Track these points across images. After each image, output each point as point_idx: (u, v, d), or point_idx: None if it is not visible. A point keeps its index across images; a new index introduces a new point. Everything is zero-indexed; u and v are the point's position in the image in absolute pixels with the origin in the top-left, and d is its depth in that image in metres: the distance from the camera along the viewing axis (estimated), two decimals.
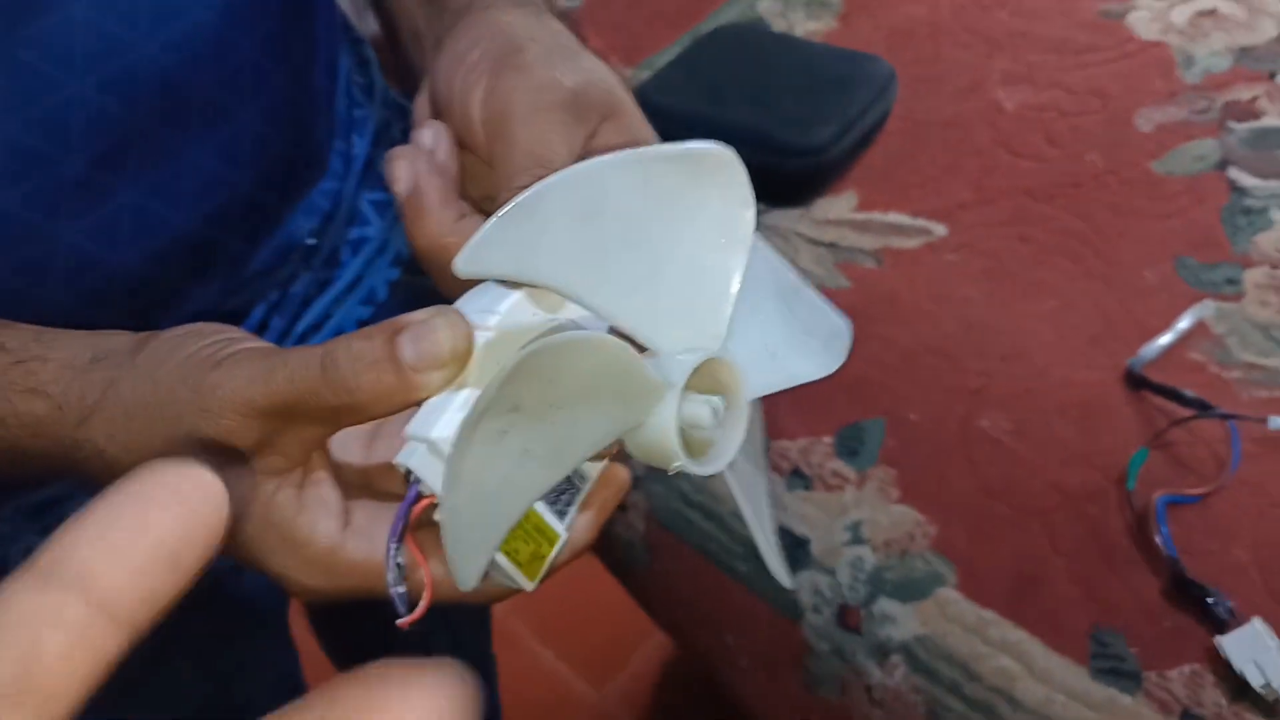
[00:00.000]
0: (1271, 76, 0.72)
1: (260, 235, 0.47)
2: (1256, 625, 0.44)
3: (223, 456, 0.29)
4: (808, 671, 0.54)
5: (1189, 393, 0.53)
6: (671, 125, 0.69)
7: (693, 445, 0.27)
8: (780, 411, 0.60)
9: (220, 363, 0.29)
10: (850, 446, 0.57)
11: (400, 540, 0.28)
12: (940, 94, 0.77)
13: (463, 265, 0.24)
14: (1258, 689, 0.43)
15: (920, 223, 0.69)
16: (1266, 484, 0.51)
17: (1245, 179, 0.65)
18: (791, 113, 0.70)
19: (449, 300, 0.29)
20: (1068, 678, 0.47)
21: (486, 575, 0.27)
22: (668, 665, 1.17)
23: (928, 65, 0.80)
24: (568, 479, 0.30)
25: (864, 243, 0.68)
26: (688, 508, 0.59)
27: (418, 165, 0.35)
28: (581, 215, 0.24)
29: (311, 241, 0.50)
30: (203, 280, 0.45)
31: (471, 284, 0.30)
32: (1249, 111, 0.70)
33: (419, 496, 0.28)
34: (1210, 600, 0.46)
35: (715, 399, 0.27)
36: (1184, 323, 0.58)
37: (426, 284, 0.36)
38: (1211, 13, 0.78)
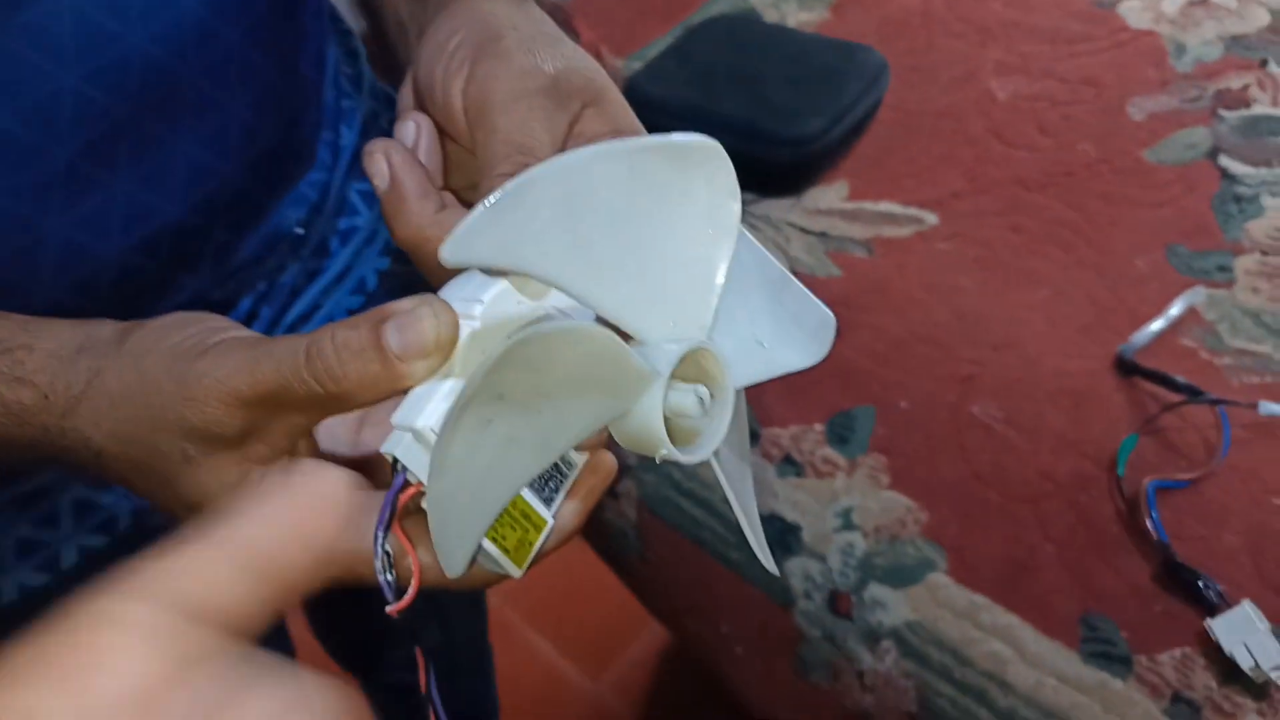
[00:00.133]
0: (1262, 65, 0.72)
1: (248, 225, 0.47)
2: (1246, 608, 0.45)
3: (208, 445, 0.29)
4: (800, 658, 0.54)
5: (1180, 378, 0.53)
6: (663, 116, 0.70)
7: (679, 434, 0.27)
8: (771, 399, 0.60)
9: (206, 351, 0.29)
10: (841, 434, 0.58)
11: (387, 528, 0.28)
12: (933, 84, 0.77)
13: (448, 254, 0.24)
14: (1247, 671, 0.43)
15: (912, 212, 0.69)
16: (1257, 469, 0.51)
17: (1236, 167, 0.66)
18: (783, 103, 0.70)
19: (438, 290, 0.29)
20: (1059, 662, 0.47)
21: (474, 562, 0.27)
22: (663, 655, 1.17)
23: (920, 55, 0.80)
24: (554, 466, 0.30)
25: (855, 232, 0.68)
26: (680, 496, 0.59)
27: (394, 158, 0.35)
28: (568, 206, 0.24)
29: (300, 232, 0.49)
30: (191, 270, 0.45)
31: (457, 273, 0.30)
32: (1240, 100, 0.70)
33: (405, 484, 0.28)
34: (1201, 584, 0.47)
35: (701, 388, 0.27)
36: (1175, 309, 0.58)
37: (417, 273, 0.36)
38: (1203, 2, 0.78)
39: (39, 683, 0.18)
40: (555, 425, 0.25)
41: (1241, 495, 0.50)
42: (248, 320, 0.48)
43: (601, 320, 0.26)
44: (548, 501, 0.30)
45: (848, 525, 0.54)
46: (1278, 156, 0.66)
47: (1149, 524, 0.49)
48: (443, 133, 0.38)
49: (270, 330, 0.49)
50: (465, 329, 0.27)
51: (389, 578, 0.28)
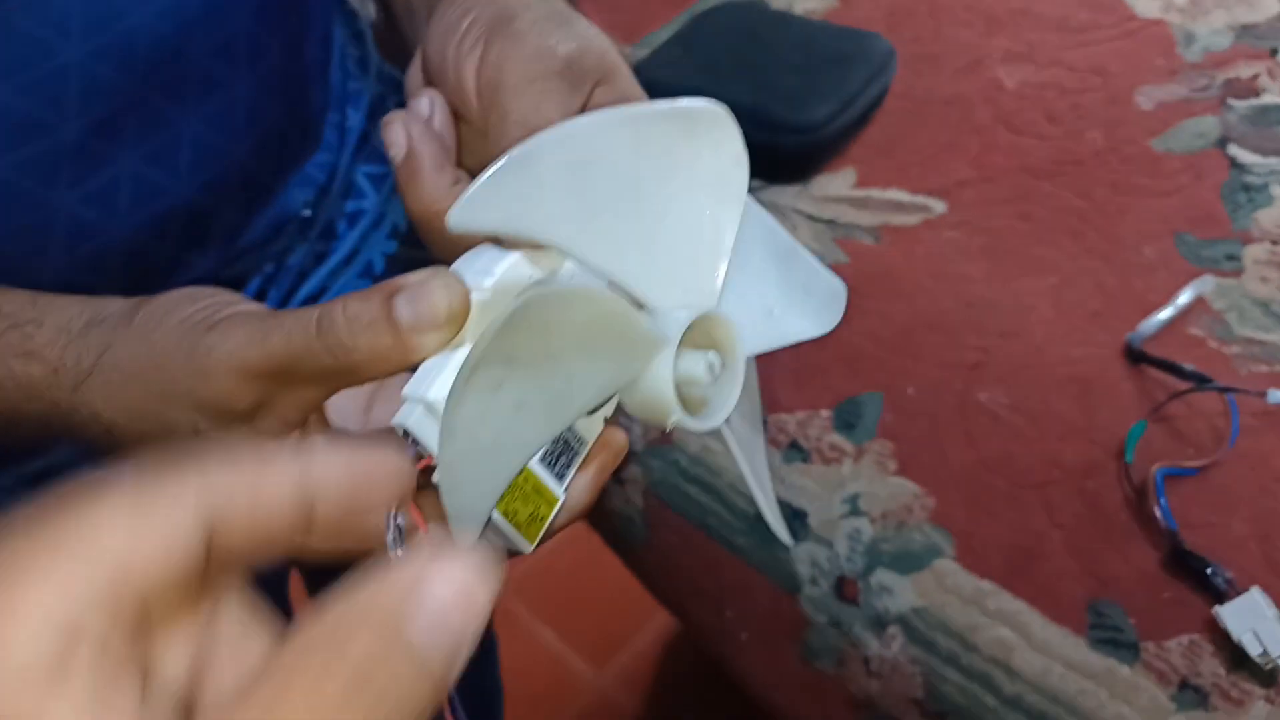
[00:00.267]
0: (1272, 54, 0.71)
1: (255, 206, 0.47)
2: (1255, 595, 0.45)
3: (218, 418, 0.29)
4: (805, 644, 0.54)
5: (1188, 366, 0.53)
6: None
7: (689, 402, 0.27)
8: (777, 385, 0.60)
9: (215, 325, 0.29)
10: (848, 420, 0.57)
11: (399, 502, 0.28)
12: (940, 72, 0.77)
13: (455, 219, 0.23)
14: (1255, 658, 0.43)
15: (920, 200, 0.69)
16: (1266, 457, 0.51)
17: (1245, 156, 0.65)
18: (790, 90, 0.70)
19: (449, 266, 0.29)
20: (1066, 648, 0.47)
21: (485, 533, 0.27)
22: (667, 645, 1.17)
23: (928, 43, 0.79)
24: (565, 442, 0.30)
25: (863, 219, 0.68)
26: (686, 482, 0.59)
27: (412, 130, 0.35)
28: (574, 171, 0.24)
29: (307, 213, 0.49)
30: (199, 250, 0.45)
31: (468, 249, 0.30)
32: (1249, 89, 0.69)
33: (417, 458, 0.27)
34: (1209, 571, 0.46)
35: (711, 355, 0.27)
36: (1183, 298, 0.57)
37: (423, 257, 0.36)
38: None
39: None
40: (565, 390, 0.25)
41: (1250, 483, 0.50)
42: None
43: (613, 288, 0.26)
44: (559, 477, 0.30)
45: (854, 511, 0.54)
46: None
47: (1157, 511, 0.49)
48: (454, 113, 0.38)
49: None
50: (477, 301, 0.27)
51: (400, 553, 0.28)
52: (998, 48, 0.78)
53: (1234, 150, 0.66)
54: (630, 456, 0.60)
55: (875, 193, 0.70)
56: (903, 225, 0.67)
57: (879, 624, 0.51)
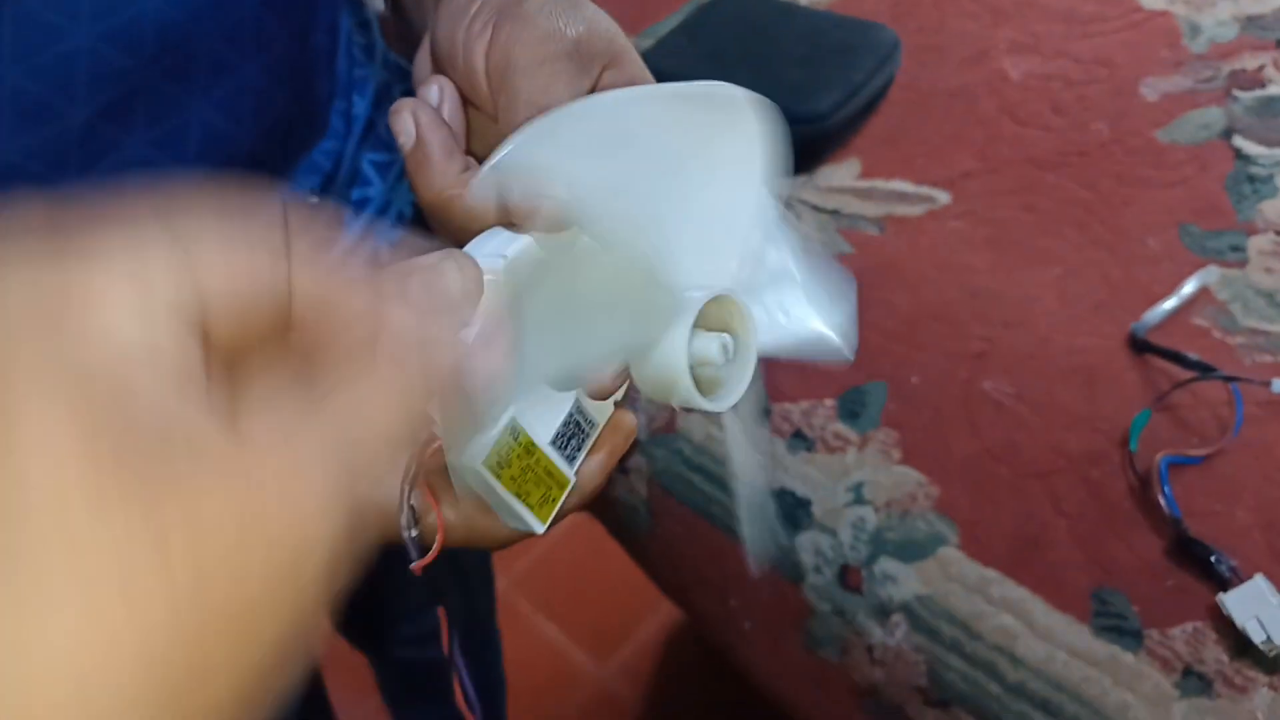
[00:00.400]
0: (1278, 45, 0.71)
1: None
2: (1259, 582, 0.45)
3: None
4: (809, 633, 0.54)
5: (1192, 355, 0.53)
6: None
7: (701, 384, 0.27)
8: (782, 375, 0.60)
9: None
10: (852, 409, 0.58)
11: (413, 483, 0.28)
12: (945, 63, 0.77)
13: (478, 188, 0.23)
14: (1259, 645, 0.43)
15: (924, 190, 0.69)
16: (1270, 446, 0.51)
17: (1250, 147, 0.65)
18: (794, 80, 0.70)
19: None
20: (1069, 635, 0.47)
21: (495, 508, 0.27)
22: (670, 639, 1.17)
23: (933, 34, 0.79)
24: (576, 424, 0.30)
25: (867, 210, 0.68)
26: (690, 471, 0.59)
27: (421, 117, 0.35)
28: (601, 143, 0.24)
29: (313, 201, 0.49)
30: None
31: (478, 234, 0.30)
32: (1255, 80, 0.69)
33: (431, 439, 0.28)
34: (1213, 559, 0.47)
35: (725, 336, 0.27)
36: (1188, 288, 0.58)
37: (429, 247, 0.36)
38: None
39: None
40: (581, 333, 0.25)
41: (1254, 472, 0.50)
42: None
43: None
44: (570, 460, 0.30)
45: (859, 500, 0.54)
46: None
47: (1161, 499, 0.49)
48: (464, 99, 0.37)
49: None
50: (489, 283, 0.27)
51: (413, 534, 0.28)
52: (1003, 39, 0.78)
53: (1239, 141, 0.66)
54: (635, 446, 0.61)
55: (880, 183, 0.70)
56: (907, 216, 0.67)
57: (883, 612, 0.51)
